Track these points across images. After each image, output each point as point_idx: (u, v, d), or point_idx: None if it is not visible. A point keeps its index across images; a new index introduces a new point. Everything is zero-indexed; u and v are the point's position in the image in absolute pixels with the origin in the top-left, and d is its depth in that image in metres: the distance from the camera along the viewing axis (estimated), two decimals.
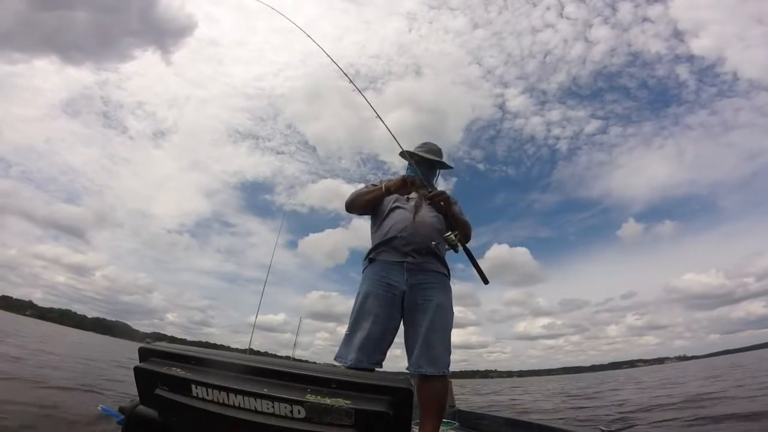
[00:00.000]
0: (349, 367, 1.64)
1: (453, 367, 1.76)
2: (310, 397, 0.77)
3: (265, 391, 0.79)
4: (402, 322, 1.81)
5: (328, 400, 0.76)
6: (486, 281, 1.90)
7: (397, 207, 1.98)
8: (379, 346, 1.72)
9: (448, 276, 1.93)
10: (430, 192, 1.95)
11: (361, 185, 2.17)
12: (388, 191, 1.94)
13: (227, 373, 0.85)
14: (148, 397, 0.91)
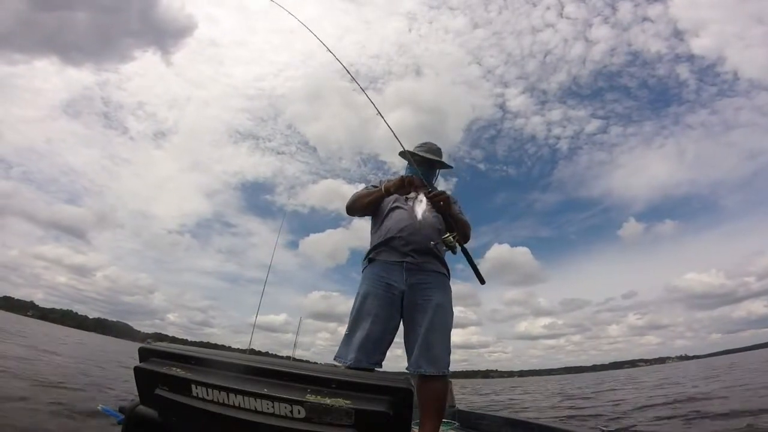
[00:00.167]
0: (348, 367, 1.64)
1: (453, 367, 1.76)
2: (310, 397, 0.77)
3: (265, 391, 0.79)
4: (402, 322, 1.81)
5: (328, 400, 0.76)
6: (482, 281, 1.89)
7: (397, 207, 1.98)
8: (378, 346, 1.72)
9: (447, 276, 1.93)
10: (429, 192, 1.95)
11: (362, 185, 2.17)
12: (388, 192, 1.94)
13: (227, 373, 0.85)
14: (148, 397, 0.92)
